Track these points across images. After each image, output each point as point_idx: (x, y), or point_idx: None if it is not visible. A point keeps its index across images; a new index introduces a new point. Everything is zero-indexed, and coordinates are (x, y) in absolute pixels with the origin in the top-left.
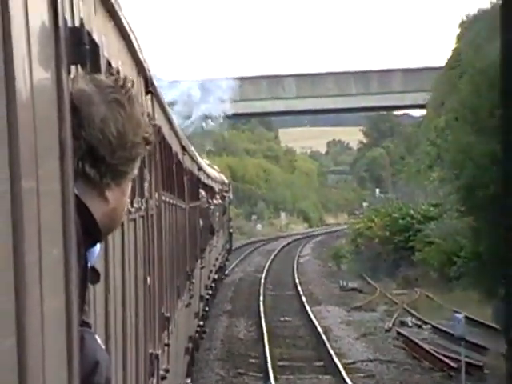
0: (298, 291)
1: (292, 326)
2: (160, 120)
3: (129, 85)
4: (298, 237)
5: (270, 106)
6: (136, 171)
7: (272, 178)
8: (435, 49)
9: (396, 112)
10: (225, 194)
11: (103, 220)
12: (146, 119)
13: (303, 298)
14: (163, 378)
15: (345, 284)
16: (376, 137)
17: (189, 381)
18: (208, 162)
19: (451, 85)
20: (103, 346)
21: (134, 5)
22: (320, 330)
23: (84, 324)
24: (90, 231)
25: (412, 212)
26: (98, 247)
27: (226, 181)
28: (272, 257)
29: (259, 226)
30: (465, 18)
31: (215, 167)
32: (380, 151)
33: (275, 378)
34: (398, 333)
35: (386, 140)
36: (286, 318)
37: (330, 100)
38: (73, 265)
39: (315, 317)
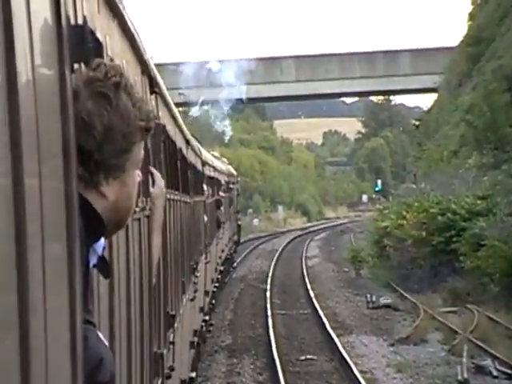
0: (315, 309)
1: (319, 371)
2: (164, 118)
3: (117, 76)
4: (299, 233)
5: (266, 90)
6: (139, 158)
7: (268, 170)
8: (444, 29)
9: (393, 102)
10: (232, 186)
11: (106, 214)
12: (144, 106)
13: (325, 322)
14: (168, 376)
15: (373, 298)
16: (374, 126)
17: (194, 375)
18: (217, 154)
19: (471, 63)
20: (106, 343)
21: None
22: (362, 381)
23: (87, 323)
24: (92, 226)
25: (454, 206)
26: (102, 240)
27: (234, 173)
28: (275, 259)
29: (256, 221)
30: None
31: (224, 159)
32: (379, 141)
33: None
34: None
35: (385, 130)
36: (308, 357)
37: (333, 84)
38: (76, 263)
39: (349, 355)
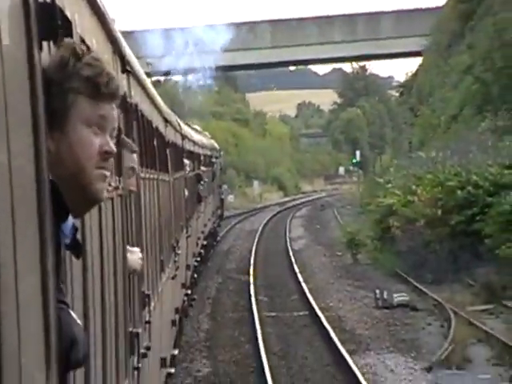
0: (312, 311)
1: None
2: (138, 97)
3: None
4: (278, 209)
5: (240, 57)
6: (92, 116)
7: (242, 143)
8: None
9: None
10: (214, 160)
11: (54, 172)
12: (87, 56)
13: (330, 332)
14: (144, 355)
15: (384, 295)
16: (350, 96)
17: (176, 352)
18: (199, 128)
19: (463, 21)
20: (79, 322)
21: None
22: None
23: (60, 302)
24: (58, 205)
25: (476, 178)
26: (70, 220)
27: (217, 147)
28: (255, 242)
29: (231, 197)
30: None
31: (206, 133)
32: (356, 111)
33: None
34: None
35: (361, 100)
36: None
37: (311, 49)
38: (48, 243)
39: None
